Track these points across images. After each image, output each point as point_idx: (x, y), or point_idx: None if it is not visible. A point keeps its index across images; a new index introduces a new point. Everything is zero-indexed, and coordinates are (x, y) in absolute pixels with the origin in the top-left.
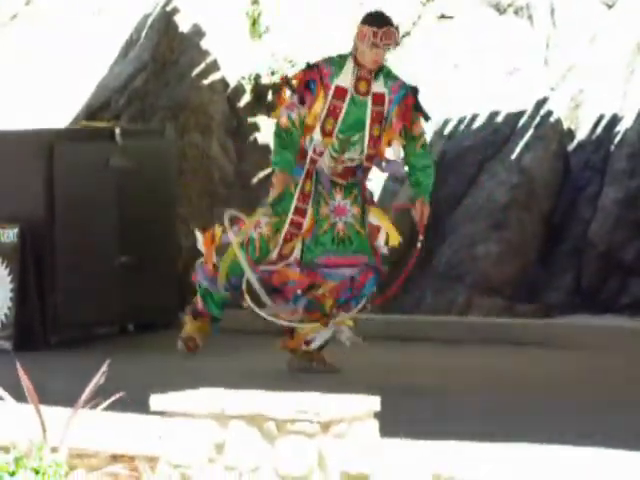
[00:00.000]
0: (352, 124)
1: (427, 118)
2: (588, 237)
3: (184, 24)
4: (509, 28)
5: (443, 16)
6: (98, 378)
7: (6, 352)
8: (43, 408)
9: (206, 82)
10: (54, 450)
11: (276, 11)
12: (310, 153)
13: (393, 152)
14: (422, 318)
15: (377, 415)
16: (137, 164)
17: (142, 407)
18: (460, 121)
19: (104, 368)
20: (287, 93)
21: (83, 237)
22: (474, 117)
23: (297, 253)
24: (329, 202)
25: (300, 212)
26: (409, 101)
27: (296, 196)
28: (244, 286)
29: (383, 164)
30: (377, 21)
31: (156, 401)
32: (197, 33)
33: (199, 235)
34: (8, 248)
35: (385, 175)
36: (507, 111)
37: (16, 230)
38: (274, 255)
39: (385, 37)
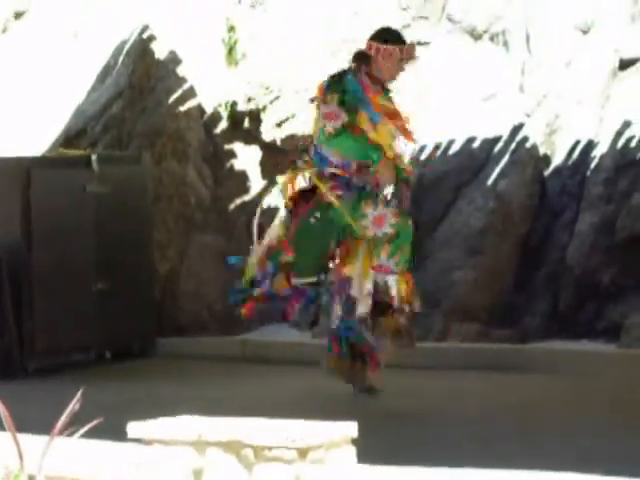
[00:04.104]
0: None
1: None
2: (565, 262)
3: (160, 51)
4: (485, 54)
5: (419, 42)
6: (73, 405)
7: None
8: (20, 436)
9: (183, 109)
10: (31, 478)
11: (252, 39)
12: None
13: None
14: None
15: (355, 441)
16: (114, 190)
17: (119, 434)
18: (436, 147)
19: (78, 396)
20: None
21: (60, 264)
22: (450, 143)
23: None
24: None
25: None
26: None
27: None
28: None
29: None
30: (401, 39)
31: (133, 428)
32: (173, 60)
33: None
34: None
35: None
36: (483, 137)
37: None
38: None
39: (409, 53)
